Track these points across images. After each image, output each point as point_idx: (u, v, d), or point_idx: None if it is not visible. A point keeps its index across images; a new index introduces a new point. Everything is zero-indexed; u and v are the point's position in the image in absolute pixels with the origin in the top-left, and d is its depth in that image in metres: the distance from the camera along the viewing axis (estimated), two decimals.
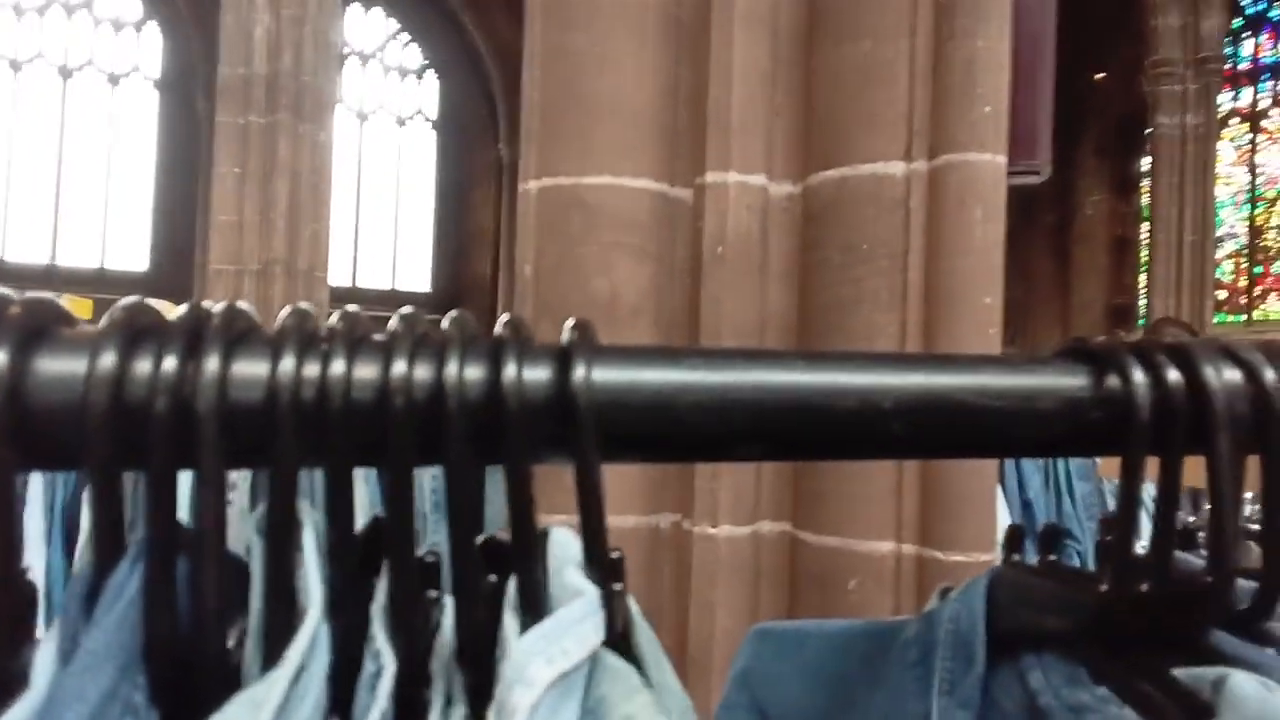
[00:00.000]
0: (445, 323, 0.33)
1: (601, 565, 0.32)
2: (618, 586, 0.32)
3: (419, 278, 14.03)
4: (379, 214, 13.75)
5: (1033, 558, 0.53)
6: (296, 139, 7.18)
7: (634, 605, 0.33)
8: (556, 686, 0.29)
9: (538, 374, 0.33)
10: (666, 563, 1.52)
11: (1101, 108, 12.47)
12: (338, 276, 9.63)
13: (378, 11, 13.61)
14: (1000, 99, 1.38)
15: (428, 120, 14.18)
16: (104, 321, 0.33)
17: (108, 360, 0.30)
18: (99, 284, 11.26)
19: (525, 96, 1.66)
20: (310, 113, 7.34)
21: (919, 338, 1.37)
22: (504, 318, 0.33)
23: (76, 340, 0.32)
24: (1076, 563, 1.86)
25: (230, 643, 0.33)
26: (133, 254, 12.26)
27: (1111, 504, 2.24)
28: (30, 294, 0.35)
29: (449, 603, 0.36)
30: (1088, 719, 0.40)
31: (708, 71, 1.54)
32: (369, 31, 13.61)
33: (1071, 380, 0.42)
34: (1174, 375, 0.38)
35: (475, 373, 0.32)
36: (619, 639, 0.32)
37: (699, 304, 1.51)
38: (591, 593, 0.31)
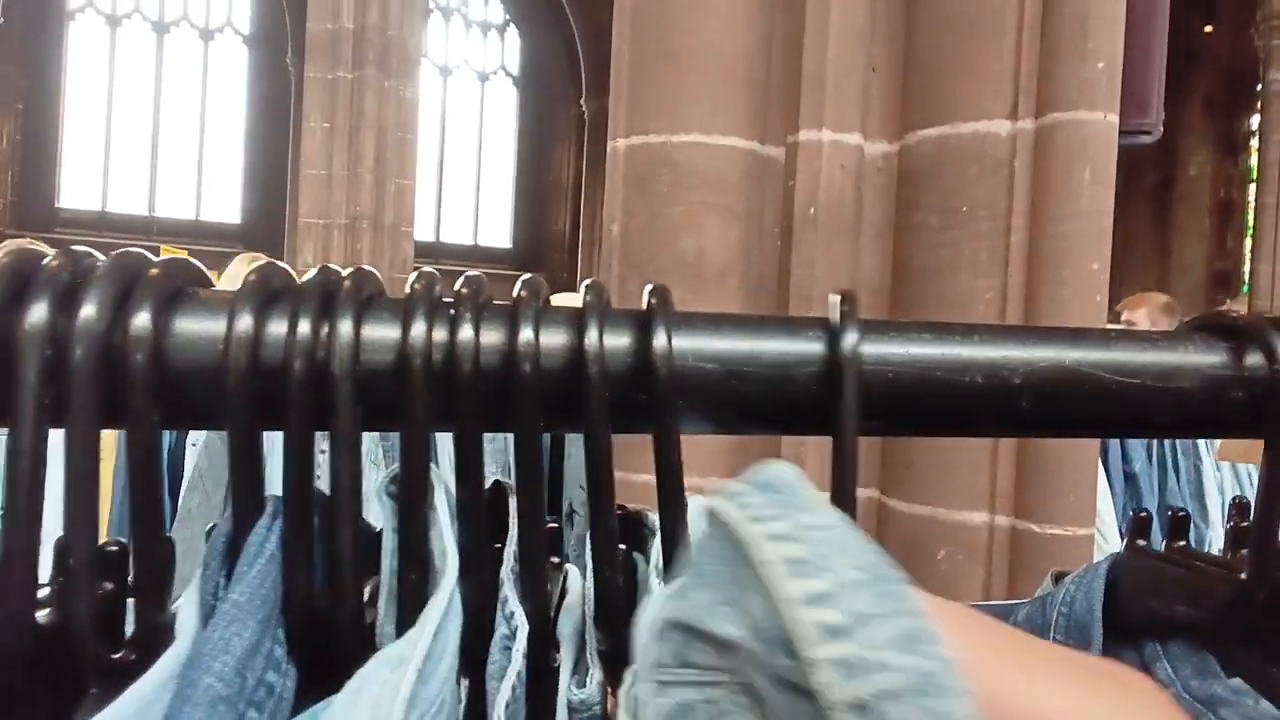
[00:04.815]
0: (582, 290, 0.33)
1: None
2: None
3: (500, 233, 14.14)
4: (461, 170, 13.86)
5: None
6: (382, 94, 7.27)
7: None
8: None
9: (682, 344, 0.32)
10: None
11: (1209, 62, 11.85)
12: (422, 232, 9.76)
13: None
14: (1114, 54, 1.31)
15: (509, 76, 14.19)
16: (240, 283, 0.33)
17: (245, 322, 0.31)
18: (194, 234, 11.64)
19: (614, 52, 1.64)
20: (396, 68, 7.41)
21: (1020, 304, 1.32)
22: (649, 287, 0.33)
23: (214, 301, 0.32)
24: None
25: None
26: (226, 206, 12.61)
27: (1208, 483, 2.15)
28: (130, 248, 0.35)
29: (571, 569, 0.36)
30: (1221, 713, 0.38)
31: (802, 26, 1.50)
32: None
33: (1210, 357, 0.40)
34: None
35: (614, 340, 0.32)
36: None
37: (789, 266, 1.49)
38: None
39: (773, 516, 0.20)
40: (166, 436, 2.28)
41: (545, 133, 14.10)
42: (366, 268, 0.35)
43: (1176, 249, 12.40)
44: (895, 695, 0.16)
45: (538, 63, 14.03)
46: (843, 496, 0.35)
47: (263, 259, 2.84)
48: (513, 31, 14.15)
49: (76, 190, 12.08)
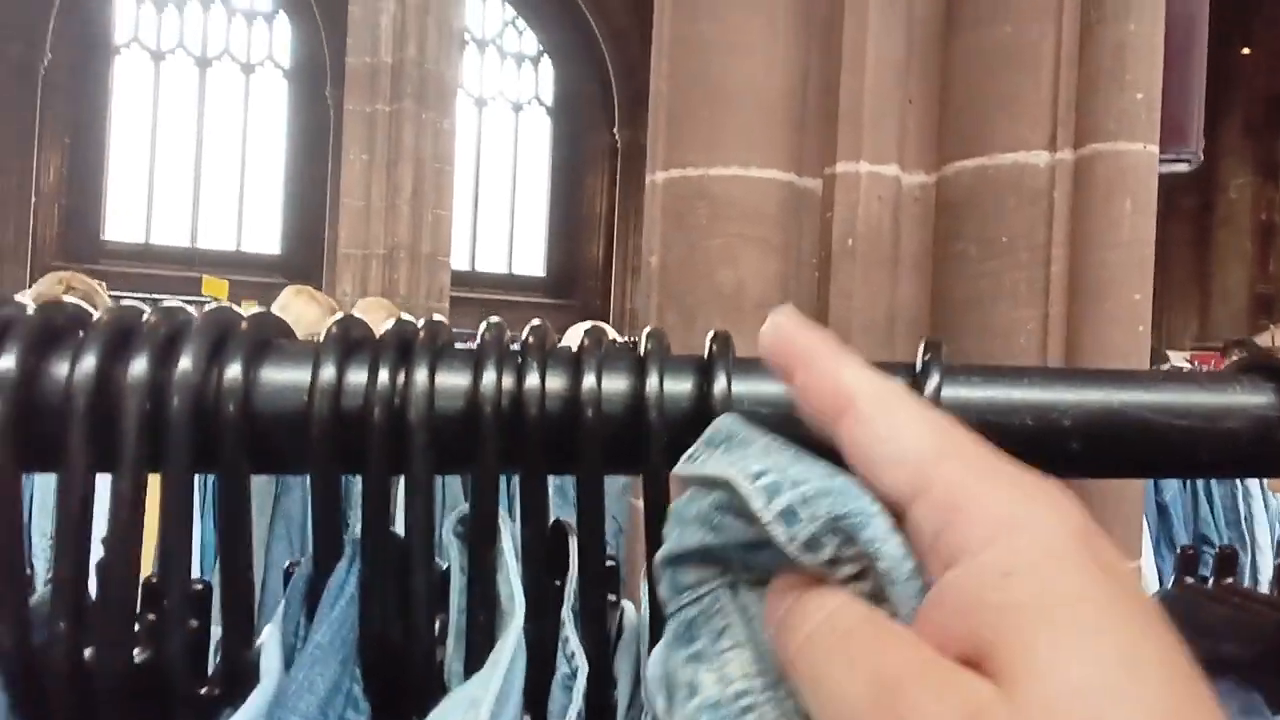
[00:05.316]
0: (643, 337, 0.34)
1: None
2: None
3: (534, 262, 14.26)
4: (496, 199, 14.02)
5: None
6: (420, 126, 7.38)
7: None
8: None
9: (738, 388, 0.34)
10: None
11: (1248, 84, 11.73)
12: (458, 261, 9.87)
13: None
14: (1152, 85, 1.31)
15: (543, 106, 14.36)
16: (288, 312, 0.35)
17: (328, 372, 0.32)
18: (236, 265, 11.84)
19: (653, 87, 1.66)
20: (433, 100, 7.53)
21: (1061, 335, 1.32)
22: (711, 334, 0.34)
23: (299, 353, 0.34)
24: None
25: None
26: (266, 237, 12.84)
27: (1256, 507, 2.11)
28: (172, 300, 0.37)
29: (627, 606, 0.37)
30: None
31: (839, 59, 1.52)
32: (487, 18, 13.86)
33: (1258, 398, 0.41)
34: None
35: (675, 386, 0.33)
36: None
37: (827, 297, 1.50)
38: None
39: (705, 453, 0.26)
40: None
41: (579, 162, 14.23)
42: (438, 318, 0.37)
43: (1218, 273, 12.22)
44: (810, 499, 0.22)
45: (571, 93, 14.19)
46: None
47: (308, 291, 2.89)
48: (546, 62, 14.33)
49: (121, 222, 12.36)
